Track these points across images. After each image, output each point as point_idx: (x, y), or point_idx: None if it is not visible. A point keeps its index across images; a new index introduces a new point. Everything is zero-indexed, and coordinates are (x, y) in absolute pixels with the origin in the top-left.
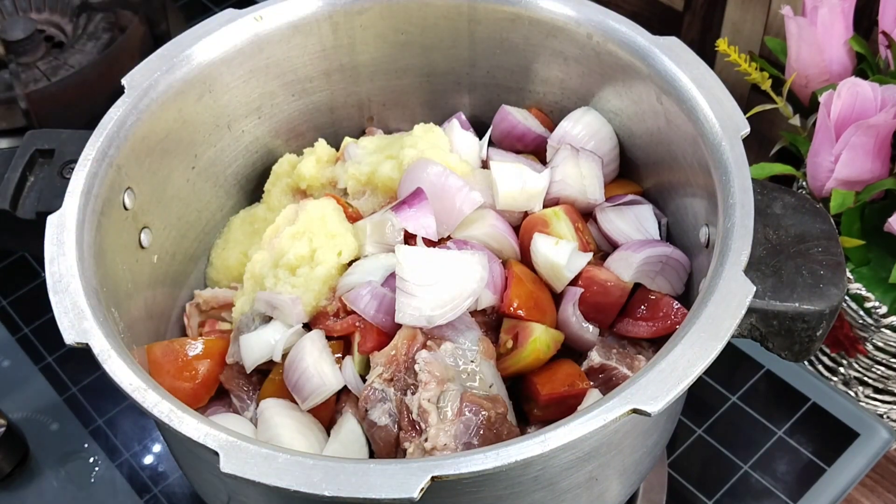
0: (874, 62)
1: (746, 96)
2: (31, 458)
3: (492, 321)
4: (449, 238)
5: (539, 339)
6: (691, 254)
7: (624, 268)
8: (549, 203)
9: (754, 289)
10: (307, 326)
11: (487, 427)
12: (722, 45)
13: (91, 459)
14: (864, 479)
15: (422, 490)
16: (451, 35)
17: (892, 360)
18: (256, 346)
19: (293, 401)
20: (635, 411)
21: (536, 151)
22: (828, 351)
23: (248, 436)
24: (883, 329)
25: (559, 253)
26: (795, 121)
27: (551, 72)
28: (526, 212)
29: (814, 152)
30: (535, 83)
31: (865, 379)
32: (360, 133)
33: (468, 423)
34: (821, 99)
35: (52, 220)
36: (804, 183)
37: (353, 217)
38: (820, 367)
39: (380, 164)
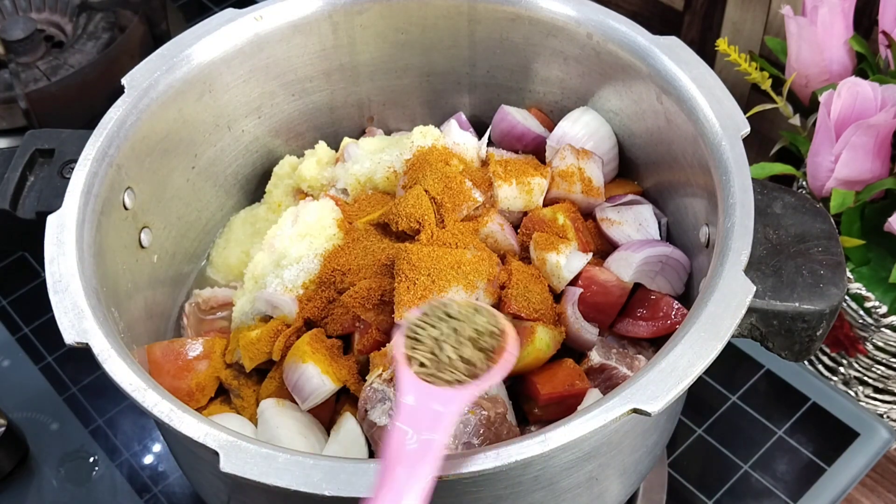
0: (874, 62)
1: (746, 96)
2: (31, 458)
3: None
4: None
5: (539, 339)
6: (691, 254)
7: (624, 268)
8: (549, 203)
9: (754, 288)
10: (307, 325)
11: (487, 427)
12: (722, 44)
13: (91, 459)
14: (864, 479)
15: None
16: (451, 35)
17: (892, 359)
18: None
19: (293, 401)
20: (635, 411)
21: (536, 151)
22: (828, 351)
23: (248, 436)
24: (883, 329)
25: (559, 253)
26: (795, 121)
27: (551, 71)
28: (526, 211)
29: (814, 152)
30: (535, 83)
31: (865, 379)
32: (360, 133)
33: (468, 422)
34: (821, 99)
35: (52, 220)
36: (804, 183)
37: (352, 217)
38: (820, 367)
39: (380, 164)
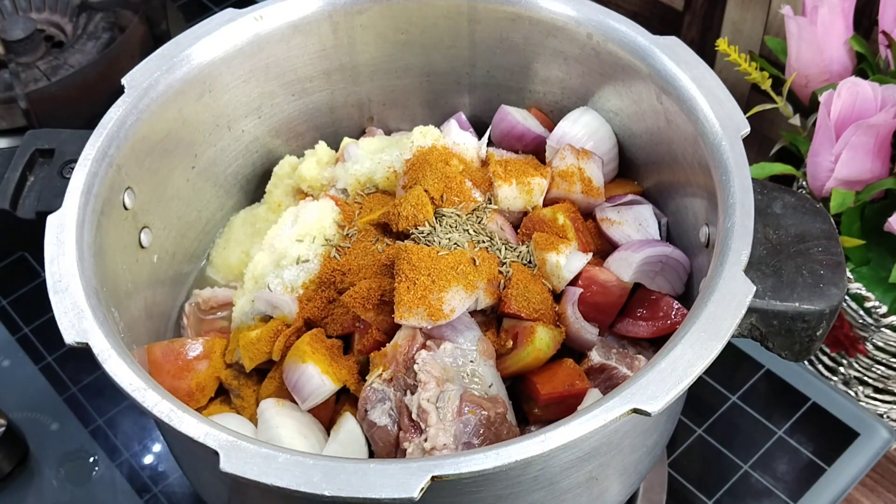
0: (874, 62)
1: (746, 96)
2: (31, 458)
3: (492, 321)
4: None
5: (539, 339)
6: (691, 254)
7: (624, 268)
8: (549, 203)
9: (754, 288)
10: (307, 326)
11: (487, 427)
12: (722, 44)
13: (91, 459)
14: (864, 479)
15: (422, 490)
16: (451, 35)
17: (892, 359)
18: None
19: (293, 401)
20: (635, 411)
21: (536, 151)
22: (828, 351)
23: (248, 436)
24: (883, 329)
25: (559, 253)
26: (795, 121)
27: (551, 71)
28: (526, 211)
29: (814, 152)
30: (535, 83)
31: (865, 379)
32: (360, 133)
33: (468, 422)
34: (821, 99)
35: (52, 220)
36: (804, 183)
37: (352, 217)
38: (820, 367)
39: (380, 164)
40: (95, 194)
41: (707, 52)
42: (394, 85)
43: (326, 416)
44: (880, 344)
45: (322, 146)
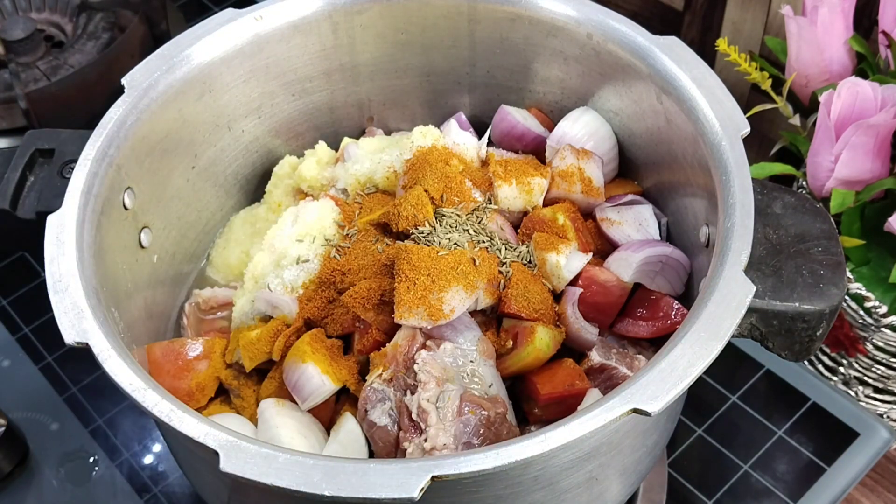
0: (874, 62)
1: (746, 96)
2: (31, 458)
3: (492, 321)
4: None
5: (539, 339)
6: (691, 254)
7: (624, 268)
8: (549, 203)
9: (754, 288)
10: (307, 326)
11: (487, 427)
12: (722, 44)
13: (91, 459)
14: (864, 479)
15: (422, 490)
16: (451, 35)
17: (892, 359)
18: None
19: (293, 401)
20: (635, 411)
21: (536, 151)
22: (828, 351)
23: (248, 436)
24: (883, 329)
25: (559, 253)
26: (795, 121)
27: (551, 71)
28: (526, 211)
29: (814, 152)
30: (535, 83)
31: (865, 379)
32: (360, 133)
33: (468, 422)
34: (821, 99)
35: (52, 220)
36: (804, 183)
37: (352, 217)
38: (820, 367)
39: (380, 164)
40: (95, 194)
41: (707, 52)
42: (394, 85)
43: (326, 416)
44: (880, 344)
45: (322, 146)
